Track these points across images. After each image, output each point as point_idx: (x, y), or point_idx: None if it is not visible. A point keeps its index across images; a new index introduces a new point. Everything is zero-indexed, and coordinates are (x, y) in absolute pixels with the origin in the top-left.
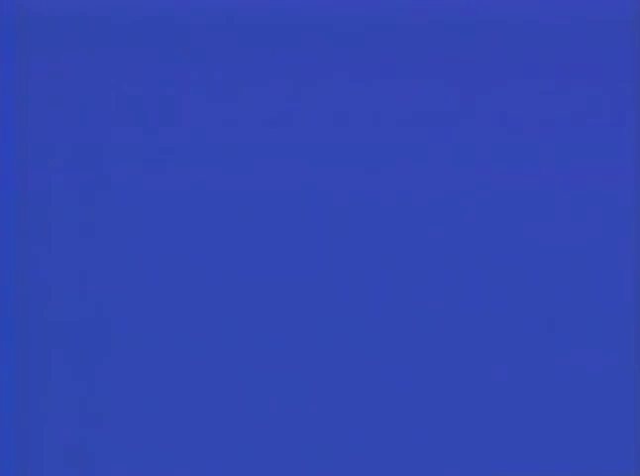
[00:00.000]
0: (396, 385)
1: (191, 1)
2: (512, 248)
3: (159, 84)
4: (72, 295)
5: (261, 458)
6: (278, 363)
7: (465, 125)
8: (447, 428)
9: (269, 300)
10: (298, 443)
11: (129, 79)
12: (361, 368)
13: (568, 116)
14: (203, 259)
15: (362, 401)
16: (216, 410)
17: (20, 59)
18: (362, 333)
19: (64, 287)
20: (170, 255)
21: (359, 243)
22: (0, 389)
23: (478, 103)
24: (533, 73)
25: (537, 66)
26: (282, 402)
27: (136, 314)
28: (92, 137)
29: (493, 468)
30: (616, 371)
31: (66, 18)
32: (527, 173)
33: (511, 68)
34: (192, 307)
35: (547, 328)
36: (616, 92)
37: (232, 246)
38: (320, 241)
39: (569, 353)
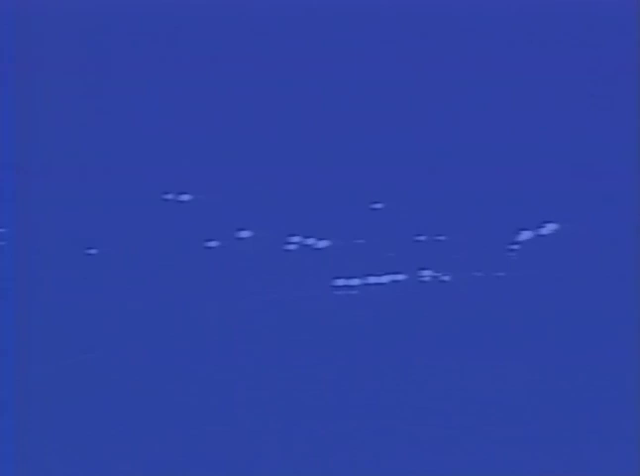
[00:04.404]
0: (395, 385)
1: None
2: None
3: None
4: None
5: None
6: (273, 367)
7: (461, 133)
8: (446, 427)
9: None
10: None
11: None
12: (359, 373)
13: (566, 113)
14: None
15: (361, 404)
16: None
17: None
18: (361, 335)
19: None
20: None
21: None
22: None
23: (475, 106)
24: (532, 70)
25: (536, 63)
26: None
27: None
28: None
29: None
30: (617, 373)
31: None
32: (526, 176)
33: (511, 66)
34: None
35: (546, 330)
36: (616, 88)
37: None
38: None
39: (569, 353)
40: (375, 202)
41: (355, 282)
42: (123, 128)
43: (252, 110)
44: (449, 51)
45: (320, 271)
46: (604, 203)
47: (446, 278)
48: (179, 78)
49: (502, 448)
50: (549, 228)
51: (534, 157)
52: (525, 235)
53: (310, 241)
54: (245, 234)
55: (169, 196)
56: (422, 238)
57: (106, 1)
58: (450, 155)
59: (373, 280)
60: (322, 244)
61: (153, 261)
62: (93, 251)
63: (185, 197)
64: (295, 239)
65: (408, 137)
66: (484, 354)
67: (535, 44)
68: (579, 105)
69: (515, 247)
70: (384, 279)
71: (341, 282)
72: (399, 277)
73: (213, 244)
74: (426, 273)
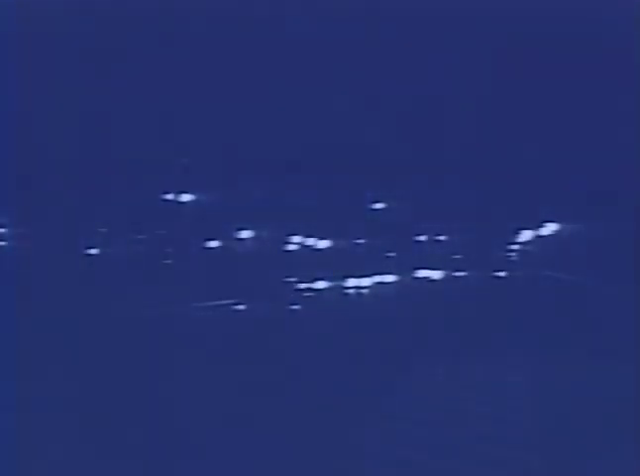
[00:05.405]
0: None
1: None
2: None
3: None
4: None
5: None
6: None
7: (461, 132)
8: (445, 436)
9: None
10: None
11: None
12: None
13: (566, 113)
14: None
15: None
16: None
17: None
18: (361, 335)
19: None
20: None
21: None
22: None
23: (475, 105)
24: (531, 69)
25: (536, 62)
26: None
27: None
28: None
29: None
30: (618, 374)
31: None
32: (526, 176)
33: (511, 65)
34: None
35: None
36: (616, 88)
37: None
38: None
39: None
40: (375, 202)
41: (353, 282)
42: (123, 127)
43: (252, 110)
44: (448, 50)
45: (320, 271)
46: (604, 203)
47: (446, 277)
48: (180, 78)
49: (503, 451)
50: (549, 228)
51: (534, 157)
52: (525, 235)
53: (310, 241)
54: (245, 234)
55: (169, 196)
56: (422, 238)
57: (106, 1)
58: (450, 154)
59: (372, 280)
60: (322, 244)
61: (152, 261)
62: (93, 251)
63: (185, 197)
64: (295, 239)
65: (409, 137)
66: (484, 354)
67: (535, 43)
68: (579, 105)
69: (515, 247)
70: (383, 279)
71: (340, 282)
72: (399, 277)
73: (213, 244)
74: (426, 273)
